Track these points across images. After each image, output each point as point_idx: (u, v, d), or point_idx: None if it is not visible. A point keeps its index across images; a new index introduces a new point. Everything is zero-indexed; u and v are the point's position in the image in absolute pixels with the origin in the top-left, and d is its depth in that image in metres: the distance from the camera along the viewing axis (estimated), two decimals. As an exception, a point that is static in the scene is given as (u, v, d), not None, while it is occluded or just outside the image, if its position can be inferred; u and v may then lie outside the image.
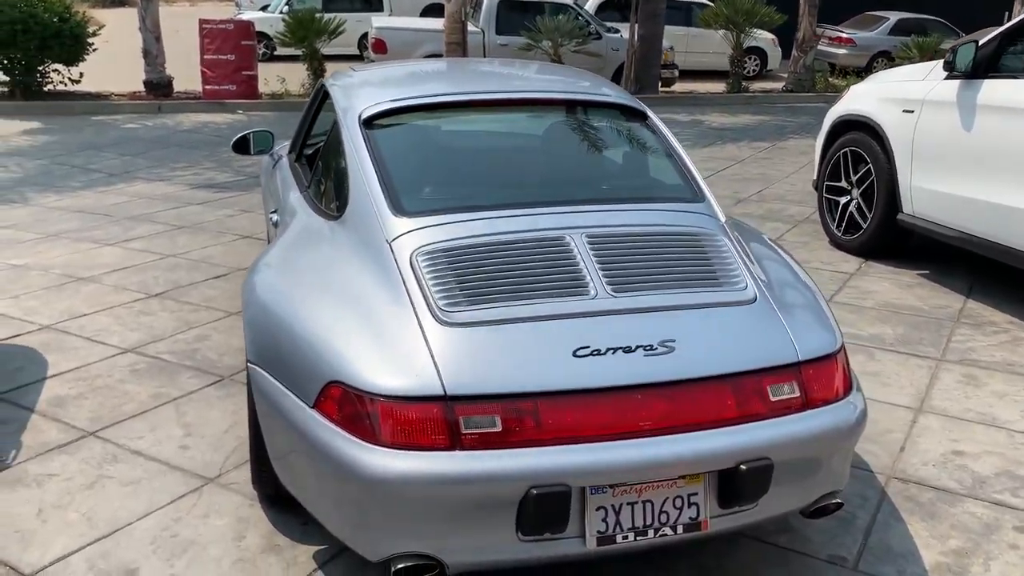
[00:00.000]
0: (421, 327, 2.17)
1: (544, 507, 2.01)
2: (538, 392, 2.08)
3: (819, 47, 16.83)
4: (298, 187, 3.38)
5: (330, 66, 8.66)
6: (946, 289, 4.95)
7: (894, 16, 17.50)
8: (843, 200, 5.64)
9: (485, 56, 13.41)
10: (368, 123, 2.86)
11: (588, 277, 2.32)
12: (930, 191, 4.84)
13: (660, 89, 13.93)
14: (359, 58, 16.86)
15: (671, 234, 2.54)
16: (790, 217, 6.55)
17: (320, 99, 3.62)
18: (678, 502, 2.15)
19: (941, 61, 4.84)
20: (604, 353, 2.16)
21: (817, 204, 5.99)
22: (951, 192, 4.67)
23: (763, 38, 16.85)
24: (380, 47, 13.33)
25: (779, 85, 14.89)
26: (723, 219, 2.69)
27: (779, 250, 2.89)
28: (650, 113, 3.16)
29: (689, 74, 16.14)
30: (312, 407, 2.17)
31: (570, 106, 3.19)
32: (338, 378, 2.12)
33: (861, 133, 5.44)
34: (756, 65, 17.25)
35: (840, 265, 5.37)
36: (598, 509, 2.09)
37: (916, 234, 5.12)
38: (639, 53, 13.06)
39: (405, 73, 3.57)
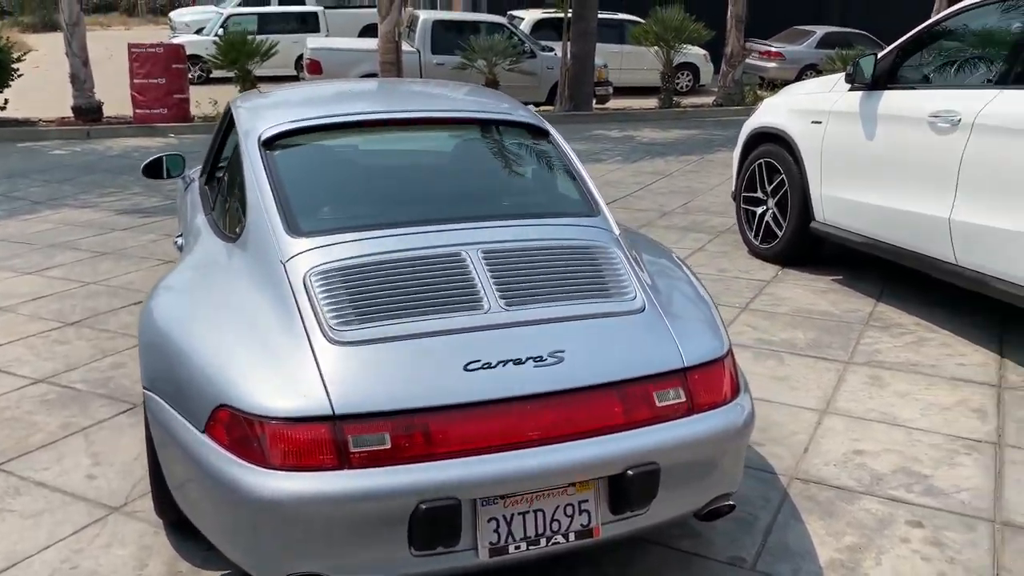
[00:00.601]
0: (311, 347, 2.18)
1: (434, 521, 2.04)
2: (428, 407, 2.11)
3: (750, 61, 17.28)
4: (203, 210, 3.37)
5: (265, 88, 8.60)
6: (858, 293, 5.11)
7: (821, 30, 18.02)
8: (759, 210, 5.79)
9: (421, 75, 13.46)
10: (268, 144, 2.87)
11: (482, 292, 2.36)
12: (838, 199, 5.00)
13: (595, 106, 14.13)
14: (296, 79, 16.78)
15: (565, 248, 2.60)
16: (712, 228, 6.69)
17: (228, 121, 3.62)
18: (569, 510, 2.19)
19: (844, 73, 5.02)
20: (495, 366, 2.20)
21: (736, 214, 6.13)
22: (857, 200, 4.83)
23: (695, 54, 17.20)
24: (315, 68, 13.29)
25: (711, 99, 15.22)
26: (617, 232, 2.76)
27: (673, 259, 2.97)
28: (551, 130, 3.23)
29: (624, 91, 16.40)
30: (202, 432, 2.17)
31: (471, 125, 3.24)
32: (226, 401, 2.12)
33: (774, 145, 5.60)
34: (689, 80, 17.60)
35: (757, 273, 5.51)
36: (489, 520, 2.13)
37: (829, 241, 5.28)
38: (572, 71, 13.24)
39: (311, 94, 3.59)
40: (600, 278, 2.51)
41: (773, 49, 17.70)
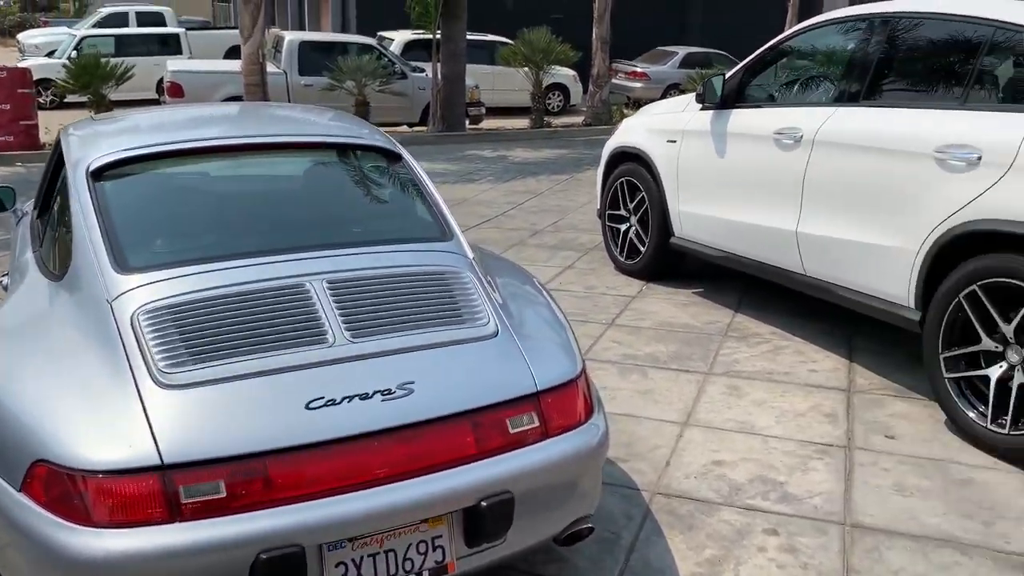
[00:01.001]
0: (139, 392, 2.04)
1: (276, 571, 1.93)
2: (267, 451, 2.00)
3: (617, 81, 17.77)
4: (31, 246, 3.14)
5: (111, 114, 8.19)
6: (718, 305, 5.26)
7: (682, 51, 18.75)
8: (623, 227, 5.90)
9: (289, 97, 13.17)
10: (96, 175, 2.69)
11: (327, 324, 2.27)
12: (695, 215, 5.15)
13: (469, 127, 14.20)
14: (158, 103, 16.11)
15: (415, 274, 2.54)
16: (581, 245, 6.78)
17: (58, 150, 3.39)
18: (422, 547, 2.12)
19: (695, 93, 5.19)
20: (339, 402, 2.11)
21: (601, 232, 6.23)
22: (712, 215, 4.99)
23: (564, 75, 17.54)
24: (176, 91, 12.78)
25: (580, 119, 15.54)
26: (471, 256, 2.72)
27: (530, 282, 2.96)
28: (404, 153, 3.16)
29: (498, 111, 16.56)
30: (19, 491, 1.99)
31: (320, 150, 3.15)
32: (43, 456, 1.95)
33: (634, 164, 5.72)
34: (560, 101, 17.91)
35: (623, 289, 5.60)
36: (337, 565, 2.03)
37: (689, 255, 5.43)
38: (444, 92, 13.25)
39: (152, 120, 3.41)
40: (452, 304, 2.47)
41: (638, 69, 18.28)
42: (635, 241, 5.80)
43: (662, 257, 5.60)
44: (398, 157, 3.15)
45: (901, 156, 3.74)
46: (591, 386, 2.53)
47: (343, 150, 3.16)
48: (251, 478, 1.97)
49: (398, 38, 16.88)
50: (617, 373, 4.20)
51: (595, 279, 5.83)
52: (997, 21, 3.58)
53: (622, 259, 5.94)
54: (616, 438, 3.52)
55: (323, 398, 2.10)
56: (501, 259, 3.31)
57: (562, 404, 2.34)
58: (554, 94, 17.80)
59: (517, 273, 3.06)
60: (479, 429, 2.20)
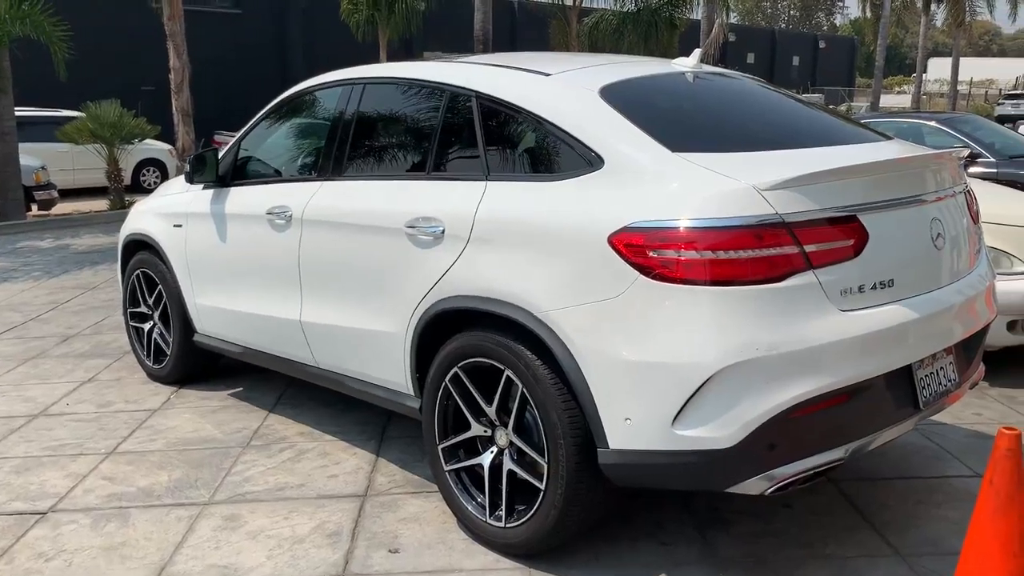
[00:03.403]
0: None
1: None
2: None
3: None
4: None
5: None
6: (252, 407, 4.63)
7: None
8: (147, 326, 5.08)
9: None
10: None
11: None
12: (209, 307, 4.51)
13: (36, 213, 12.44)
14: None
15: None
16: (119, 350, 5.79)
17: None
18: None
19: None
20: None
21: (127, 333, 5.35)
22: (225, 307, 4.38)
23: (159, 149, 16.30)
24: None
25: (176, 195, 14.34)
26: None
27: None
28: None
29: (82, 192, 14.87)
30: None
31: None
32: None
33: (148, 253, 4.95)
34: (157, 177, 16.52)
35: (147, 401, 4.76)
36: None
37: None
38: (-8, 176, 11.41)
39: None
40: None
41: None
42: (160, 342, 5.01)
43: (190, 358, 4.86)
44: None
45: (378, 232, 3.40)
46: None
47: None
48: None
49: (-54, 116, 14.42)
50: (89, 525, 3.36)
51: (115, 393, 4.92)
52: (452, 85, 3.39)
53: (150, 363, 5.10)
54: (46, 628, 2.70)
55: None
56: None
57: None
58: (149, 170, 16.43)
59: None
60: None
